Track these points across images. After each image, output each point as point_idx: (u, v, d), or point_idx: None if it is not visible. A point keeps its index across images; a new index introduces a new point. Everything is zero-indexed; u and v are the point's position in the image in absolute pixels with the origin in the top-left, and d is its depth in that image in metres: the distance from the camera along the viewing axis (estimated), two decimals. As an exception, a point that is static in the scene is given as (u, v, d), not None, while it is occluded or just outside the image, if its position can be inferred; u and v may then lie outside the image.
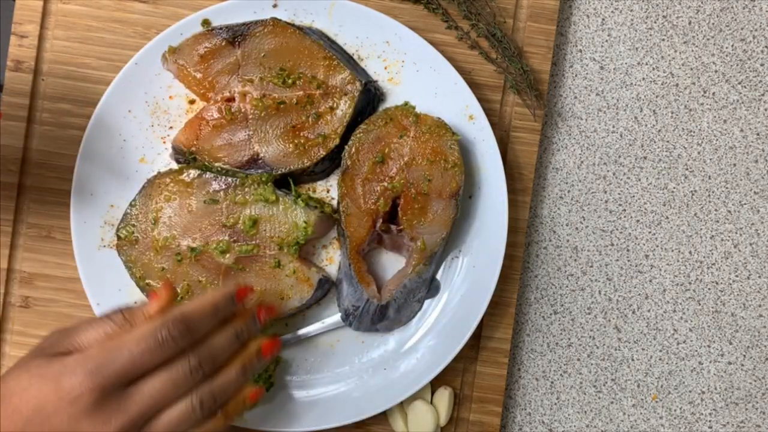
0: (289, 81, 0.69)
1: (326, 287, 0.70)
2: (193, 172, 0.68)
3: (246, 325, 0.60)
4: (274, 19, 0.68)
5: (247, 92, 0.69)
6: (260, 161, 0.69)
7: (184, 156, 0.69)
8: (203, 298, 0.58)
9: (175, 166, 0.71)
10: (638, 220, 0.76)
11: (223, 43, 0.69)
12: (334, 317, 0.71)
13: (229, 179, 0.68)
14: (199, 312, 0.57)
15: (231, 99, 0.69)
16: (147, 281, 0.68)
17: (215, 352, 0.57)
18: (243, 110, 0.69)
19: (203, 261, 0.68)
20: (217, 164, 0.69)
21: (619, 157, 0.76)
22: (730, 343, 0.76)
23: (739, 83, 0.76)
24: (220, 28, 0.69)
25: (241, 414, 0.59)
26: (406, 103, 0.70)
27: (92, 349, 0.54)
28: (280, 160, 0.69)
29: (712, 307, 0.76)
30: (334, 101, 0.69)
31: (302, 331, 0.71)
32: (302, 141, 0.69)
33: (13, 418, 0.52)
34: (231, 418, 0.58)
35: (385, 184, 0.69)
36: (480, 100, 0.71)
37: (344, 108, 0.68)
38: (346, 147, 0.69)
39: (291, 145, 0.69)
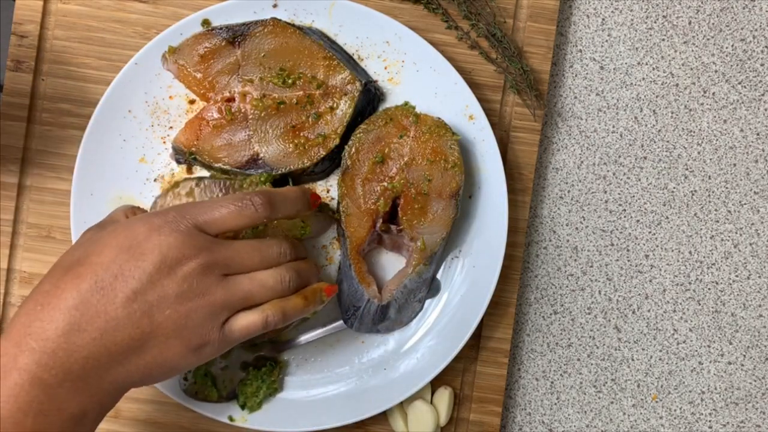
0: (289, 81, 0.69)
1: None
2: (190, 184, 0.68)
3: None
4: (274, 19, 0.68)
5: (247, 92, 0.69)
6: (260, 161, 0.69)
7: (184, 156, 0.69)
8: (286, 188, 0.64)
9: (175, 166, 0.71)
10: (638, 220, 0.76)
11: (223, 43, 0.69)
12: (336, 322, 0.71)
13: (228, 182, 0.68)
14: (281, 194, 0.61)
15: (231, 99, 0.69)
16: None
17: (295, 243, 0.63)
18: (243, 110, 0.69)
19: None
20: (217, 165, 0.69)
21: (619, 157, 0.76)
22: (730, 343, 0.76)
23: (739, 83, 0.76)
24: (220, 28, 0.69)
25: (316, 305, 0.62)
26: (406, 103, 0.70)
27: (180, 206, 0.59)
28: (280, 160, 0.69)
29: (712, 307, 0.76)
30: (334, 101, 0.69)
31: (304, 338, 0.71)
32: (302, 141, 0.69)
33: (102, 251, 0.55)
34: (309, 302, 0.61)
35: (385, 184, 0.69)
36: (480, 100, 0.71)
37: (344, 108, 0.69)
38: (346, 147, 0.69)
39: (291, 145, 0.69)
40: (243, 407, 0.70)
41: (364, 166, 0.69)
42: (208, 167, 0.69)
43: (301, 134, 0.69)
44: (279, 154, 0.69)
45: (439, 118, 0.69)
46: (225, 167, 0.69)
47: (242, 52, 0.69)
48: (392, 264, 0.72)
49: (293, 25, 0.69)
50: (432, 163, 0.68)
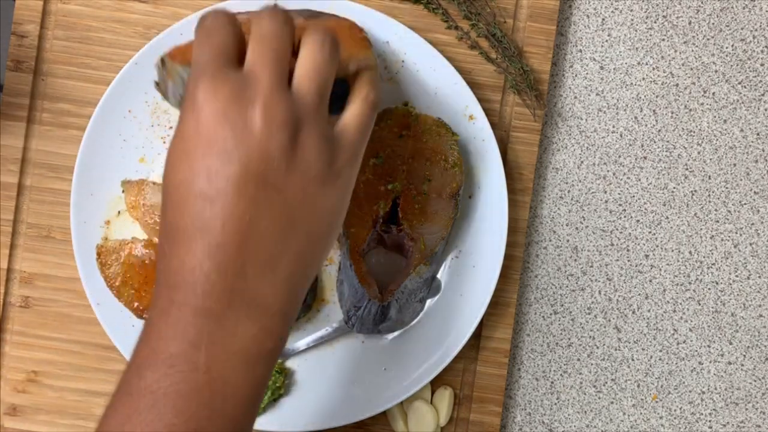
0: None
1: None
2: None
3: None
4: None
5: None
6: None
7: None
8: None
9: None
10: (638, 220, 0.76)
11: None
12: (336, 323, 0.71)
13: None
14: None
15: None
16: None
17: None
18: None
19: None
20: None
21: (619, 157, 0.76)
22: (730, 343, 0.76)
23: (739, 83, 0.76)
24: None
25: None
26: (406, 103, 0.70)
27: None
28: None
29: (712, 307, 0.76)
30: None
31: (305, 341, 0.71)
32: None
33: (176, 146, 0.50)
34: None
35: (388, 186, 0.68)
36: (480, 100, 0.71)
37: None
38: None
39: None
40: None
41: (364, 167, 0.69)
42: None
43: None
44: None
45: (439, 118, 0.69)
46: None
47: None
48: (393, 264, 0.72)
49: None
50: (432, 163, 0.68)
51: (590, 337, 0.76)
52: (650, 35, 0.76)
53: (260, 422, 0.70)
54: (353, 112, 0.52)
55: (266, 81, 0.48)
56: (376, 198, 0.68)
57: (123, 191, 0.70)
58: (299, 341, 0.71)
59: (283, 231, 0.49)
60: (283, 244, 0.49)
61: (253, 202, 0.47)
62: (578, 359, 0.76)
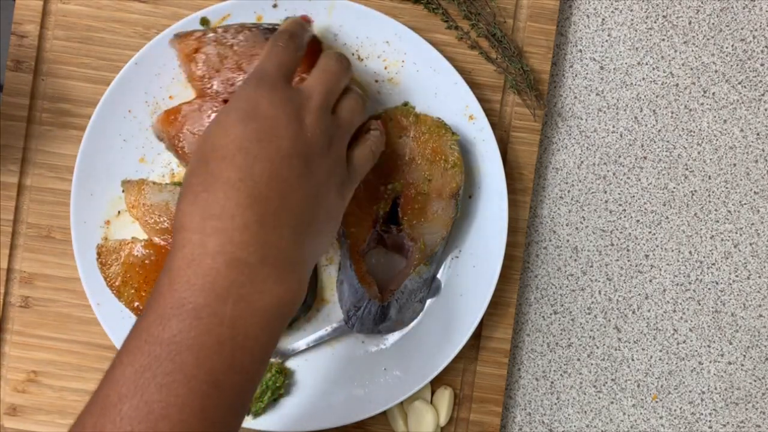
0: None
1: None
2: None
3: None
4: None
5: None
6: None
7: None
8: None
9: (175, 166, 0.71)
10: (638, 220, 0.76)
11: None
12: (336, 323, 0.71)
13: None
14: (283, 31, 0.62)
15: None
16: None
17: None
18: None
19: None
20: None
21: (619, 157, 0.76)
22: (730, 343, 0.76)
23: (739, 83, 0.76)
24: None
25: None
26: (406, 104, 0.70)
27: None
28: None
29: (712, 307, 0.76)
30: None
31: (305, 341, 0.71)
32: None
33: (227, 134, 0.54)
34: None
35: (387, 186, 0.68)
36: (480, 100, 0.71)
37: None
38: None
39: None
40: (248, 412, 0.70)
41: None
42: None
43: None
44: None
45: (439, 118, 0.69)
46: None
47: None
48: (393, 264, 0.72)
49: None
50: (432, 163, 0.68)
51: (590, 337, 0.76)
52: (650, 35, 0.76)
53: (260, 422, 0.70)
54: (365, 148, 0.63)
55: (319, 100, 0.58)
56: (376, 198, 0.68)
57: (123, 191, 0.70)
58: (299, 341, 0.71)
59: (310, 204, 0.54)
60: (310, 215, 0.54)
61: (294, 171, 0.53)
62: (578, 359, 0.76)
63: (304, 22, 0.65)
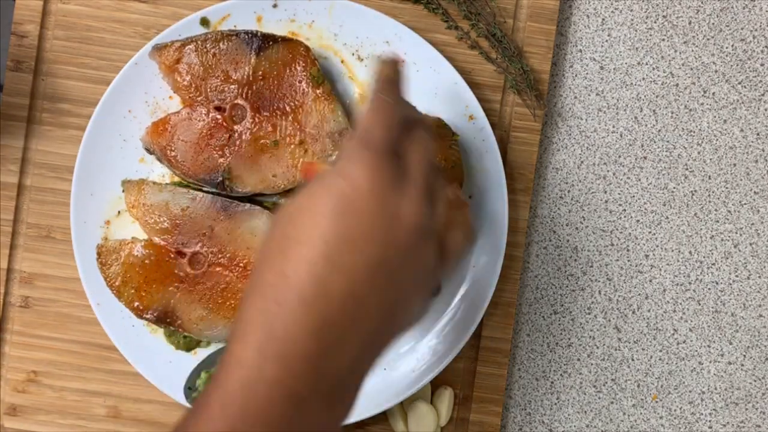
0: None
1: None
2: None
3: None
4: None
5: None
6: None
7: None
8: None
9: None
10: (638, 220, 0.76)
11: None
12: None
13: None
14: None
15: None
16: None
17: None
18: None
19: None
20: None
21: (619, 157, 0.76)
22: (730, 343, 0.76)
23: (739, 83, 0.76)
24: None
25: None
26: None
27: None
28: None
29: (712, 307, 0.76)
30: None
31: None
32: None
33: (316, 222, 0.47)
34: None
35: None
36: (480, 100, 0.71)
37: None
38: None
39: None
40: None
41: None
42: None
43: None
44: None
45: (439, 118, 0.69)
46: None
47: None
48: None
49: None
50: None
51: (590, 337, 0.76)
52: (650, 35, 0.76)
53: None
54: (456, 235, 0.54)
55: (421, 188, 0.51)
56: None
57: (123, 191, 0.70)
58: None
59: (382, 324, 0.48)
60: (379, 337, 0.49)
61: (375, 287, 0.48)
62: (578, 359, 0.76)
63: (401, 63, 0.57)
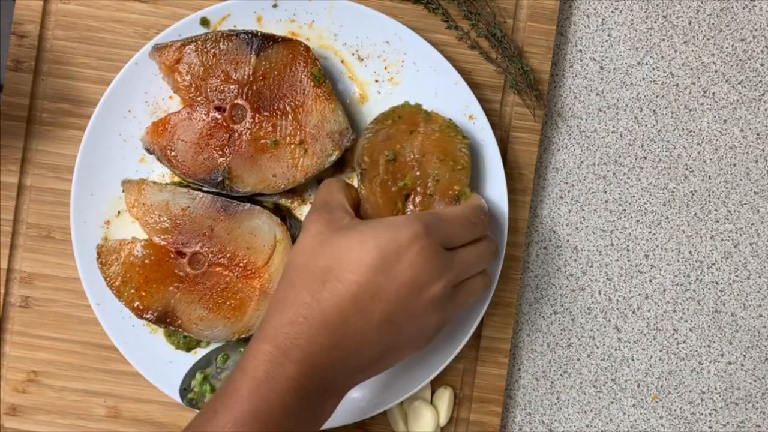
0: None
1: None
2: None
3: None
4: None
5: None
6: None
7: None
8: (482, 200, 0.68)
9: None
10: (638, 220, 0.76)
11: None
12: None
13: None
14: (486, 212, 0.67)
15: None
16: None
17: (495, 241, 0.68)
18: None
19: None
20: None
21: (619, 157, 0.76)
22: (730, 343, 0.76)
23: (739, 83, 0.76)
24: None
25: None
26: (416, 105, 0.69)
27: (419, 215, 0.62)
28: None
29: (712, 307, 0.76)
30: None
31: None
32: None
33: (358, 269, 0.58)
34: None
35: (399, 183, 0.68)
36: (480, 100, 0.71)
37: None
38: (358, 152, 0.68)
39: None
40: None
41: (379, 167, 0.68)
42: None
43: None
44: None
45: (450, 120, 0.69)
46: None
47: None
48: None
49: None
50: (441, 163, 0.68)
51: (590, 337, 0.76)
52: (650, 35, 0.76)
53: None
54: (472, 283, 0.66)
55: (453, 281, 0.63)
56: (392, 198, 0.68)
57: (123, 191, 0.70)
58: None
59: (376, 361, 0.60)
60: (369, 369, 0.61)
61: (380, 336, 0.60)
62: (578, 359, 0.76)
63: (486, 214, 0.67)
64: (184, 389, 0.69)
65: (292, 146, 0.68)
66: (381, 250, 0.59)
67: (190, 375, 0.69)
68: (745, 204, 0.76)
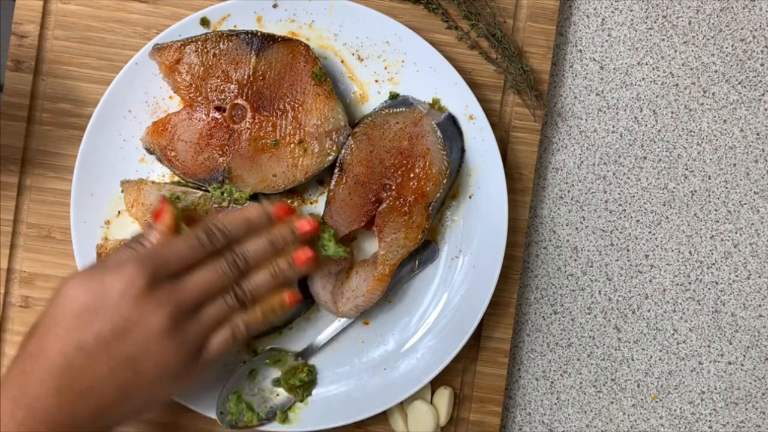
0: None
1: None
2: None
3: (282, 233, 0.65)
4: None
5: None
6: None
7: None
8: (240, 212, 0.65)
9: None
10: (638, 220, 0.76)
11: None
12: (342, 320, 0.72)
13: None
14: (234, 224, 0.63)
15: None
16: None
17: (248, 253, 0.63)
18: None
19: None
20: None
21: (619, 157, 0.76)
22: (730, 343, 0.76)
23: (739, 83, 0.76)
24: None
25: (276, 315, 0.65)
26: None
27: (135, 252, 0.61)
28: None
29: (712, 307, 0.76)
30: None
31: (324, 335, 0.71)
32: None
33: (63, 320, 0.58)
34: (265, 315, 0.64)
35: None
36: (480, 100, 0.71)
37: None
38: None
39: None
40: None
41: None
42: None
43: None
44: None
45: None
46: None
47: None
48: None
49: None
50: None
51: (590, 337, 0.76)
52: (650, 35, 0.76)
53: (261, 422, 0.70)
54: (218, 340, 0.63)
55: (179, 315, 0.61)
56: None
57: (123, 191, 0.70)
58: (319, 336, 0.71)
59: (119, 400, 0.60)
60: (116, 407, 0.60)
61: (112, 373, 0.59)
62: (578, 359, 0.76)
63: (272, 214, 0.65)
64: (221, 413, 0.69)
65: (292, 146, 0.68)
66: (86, 298, 0.59)
67: (224, 399, 0.69)
68: (745, 204, 0.76)
